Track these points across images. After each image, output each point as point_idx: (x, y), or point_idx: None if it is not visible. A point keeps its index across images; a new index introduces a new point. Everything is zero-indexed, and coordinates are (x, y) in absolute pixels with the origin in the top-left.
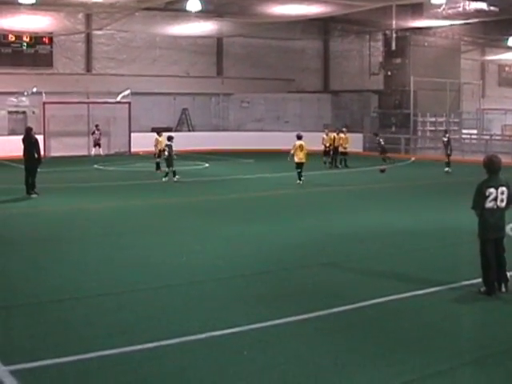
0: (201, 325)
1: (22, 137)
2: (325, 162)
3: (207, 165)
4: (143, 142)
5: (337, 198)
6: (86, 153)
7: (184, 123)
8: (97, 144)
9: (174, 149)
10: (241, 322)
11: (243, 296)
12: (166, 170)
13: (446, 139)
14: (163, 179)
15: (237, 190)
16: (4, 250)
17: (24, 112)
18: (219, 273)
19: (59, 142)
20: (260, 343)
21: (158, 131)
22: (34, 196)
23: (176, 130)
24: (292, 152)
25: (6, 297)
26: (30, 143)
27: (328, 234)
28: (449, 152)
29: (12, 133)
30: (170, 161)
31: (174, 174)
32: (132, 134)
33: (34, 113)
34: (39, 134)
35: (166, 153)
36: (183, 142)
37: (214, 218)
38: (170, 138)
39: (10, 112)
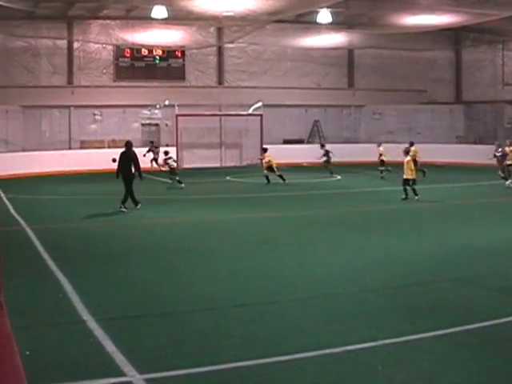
0: (335, 339)
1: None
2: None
3: (339, 177)
4: (275, 154)
5: (469, 211)
6: (218, 164)
7: (315, 135)
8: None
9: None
10: (375, 336)
11: (377, 310)
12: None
13: (499, 154)
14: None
15: (369, 203)
16: (140, 260)
17: (157, 124)
18: (352, 286)
19: (192, 153)
20: (394, 359)
21: (265, 148)
22: (123, 210)
23: (308, 142)
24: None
25: (142, 305)
26: (128, 158)
27: (459, 247)
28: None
29: (145, 145)
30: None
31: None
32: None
33: (166, 125)
34: (172, 145)
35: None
36: (315, 153)
37: (345, 230)
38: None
39: (143, 124)
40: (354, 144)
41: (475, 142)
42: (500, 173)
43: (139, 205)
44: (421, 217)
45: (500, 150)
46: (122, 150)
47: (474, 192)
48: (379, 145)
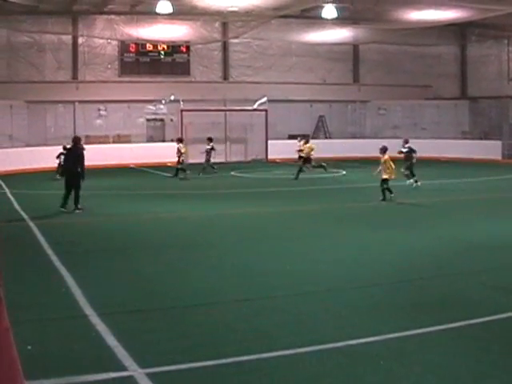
0: (337, 333)
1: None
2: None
3: (344, 172)
4: (280, 150)
5: (472, 207)
6: (222, 159)
7: (321, 130)
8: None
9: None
10: (378, 331)
11: (380, 305)
12: None
13: (405, 149)
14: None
15: (374, 198)
16: (143, 254)
17: (162, 120)
18: (356, 281)
19: (196, 149)
20: (397, 353)
21: (180, 139)
22: (77, 212)
23: (313, 138)
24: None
25: (144, 300)
26: (74, 155)
27: (464, 242)
28: (407, 166)
29: (150, 140)
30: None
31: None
32: (269, 142)
33: (171, 120)
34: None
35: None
36: (320, 149)
37: (351, 225)
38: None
39: (148, 120)
40: (360, 139)
41: (481, 138)
42: (403, 170)
43: (65, 208)
44: (422, 212)
45: (407, 145)
46: (69, 146)
47: (477, 187)
48: (299, 140)
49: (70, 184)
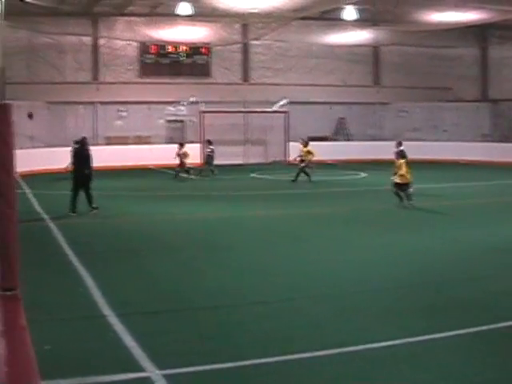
0: (354, 337)
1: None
2: None
3: (364, 174)
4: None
5: (490, 210)
6: (242, 161)
7: (340, 132)
8: None
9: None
10: (394, 335)
11: (395, 308)
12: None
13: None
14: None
15: (393, 201)
16: (161, 255)
17: (182, 121)
18: (371, 284)
19: (216, 150)
20: (413, 357)
21: (181, 143)
22: (94, 212)
23: (333, 140)
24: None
25: (162, 301)
26: (82, 156)
27: (472, 246)
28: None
29: (170, 141)
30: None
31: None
32: (289, 143)
33: (191, 122)
34: (197, 142)
35: None
36: (340, 151)
37: (367, 227)
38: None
39: (168, 121)
40: (379, 142)
41: (501, 141)
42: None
43: (75, 213)
44: (436, 216)
45: (401, 148)
46: (76, 146)
47: (495, 191)
48: (302, 142)
49: (79, 185)
